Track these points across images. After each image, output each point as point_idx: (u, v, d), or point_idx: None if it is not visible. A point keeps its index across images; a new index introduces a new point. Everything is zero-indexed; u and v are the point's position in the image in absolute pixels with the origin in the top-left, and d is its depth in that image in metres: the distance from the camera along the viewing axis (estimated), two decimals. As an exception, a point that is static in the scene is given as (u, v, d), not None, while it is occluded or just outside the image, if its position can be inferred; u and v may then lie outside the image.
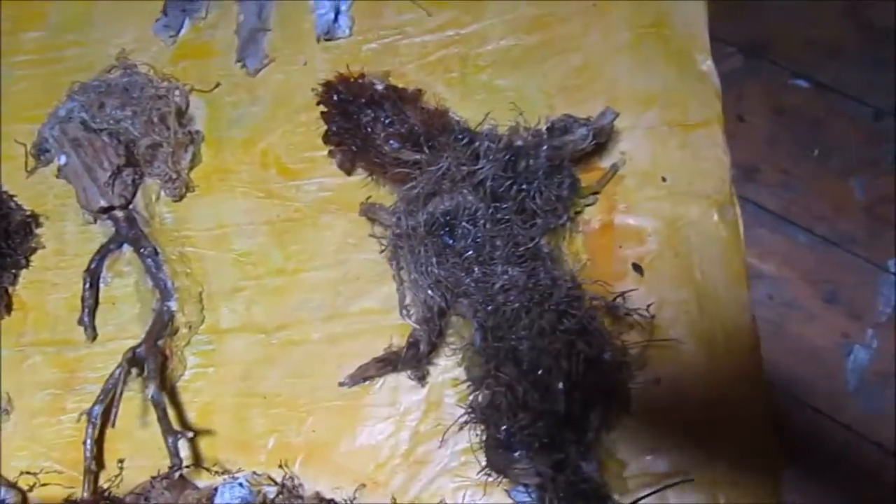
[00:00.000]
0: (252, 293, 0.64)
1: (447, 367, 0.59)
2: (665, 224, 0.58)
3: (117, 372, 0.61)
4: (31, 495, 0.62)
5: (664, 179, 0.59)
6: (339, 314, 0.62)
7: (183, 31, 0.72)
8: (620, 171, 0.60)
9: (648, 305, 0.54)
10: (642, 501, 0.51)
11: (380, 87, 0.63)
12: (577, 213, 0.59)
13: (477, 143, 0.54)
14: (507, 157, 0.52)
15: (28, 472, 0.62)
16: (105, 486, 0.59)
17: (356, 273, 0.62)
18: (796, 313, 0.88)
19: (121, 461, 0.61)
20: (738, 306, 0.57)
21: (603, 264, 0.58)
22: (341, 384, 0.60)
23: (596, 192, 0.59)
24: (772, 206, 0.88)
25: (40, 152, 0.71)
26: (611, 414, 0.53)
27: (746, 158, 0.98)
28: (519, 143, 0.52)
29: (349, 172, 0.65)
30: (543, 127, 0.57)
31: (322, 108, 0.65)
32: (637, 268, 0.58)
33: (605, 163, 0.60)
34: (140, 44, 0.73)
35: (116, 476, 0.60)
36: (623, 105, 0.61)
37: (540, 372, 0.50)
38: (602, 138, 0.56)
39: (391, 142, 0.59)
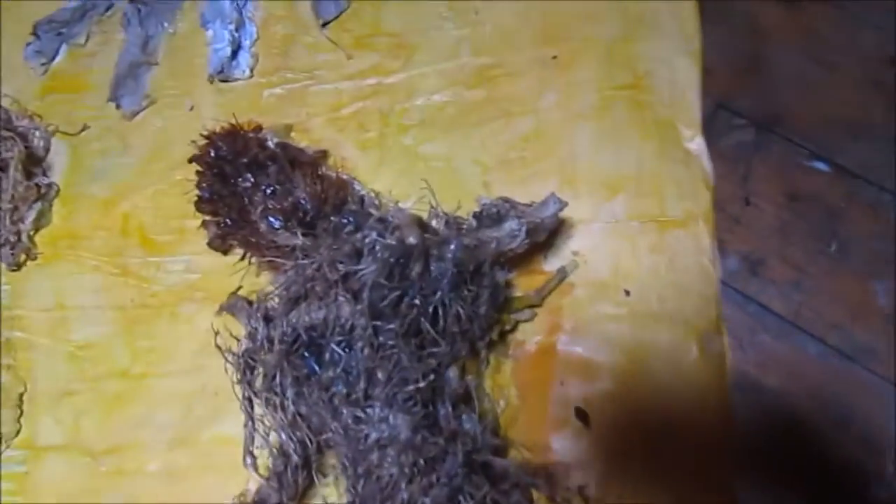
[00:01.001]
0: (85, 400, 0.49)
1: (314, 532, 0.43)
2: (625, 356, 0.43)
3: None
4: None
5: (627, 293, 0.44)
6: (186, 440, 0.47)
7: (57, 59, 0.59)
8: (570, 279, 0.45)
9: (583, 487, 0.38)
10: None
11: (272, 144, 0.49)
12: (508, 332, 0.43)
13: (372, 232, 0.39)
14: (393, 258, 0.37)
15: None
16: None
17: (215, 386, 0.47)
18: (809, 437, 0.74)
19: None
20: (723, 475, 0.40)
21: (536, 406, 0.42)
22: (174, 543, 0.44)
23: (535, 305, 0.44)
24: (778, 309, 0.72)
25: None
26: None
27: (751, 249, 0.82)
28: (411, 239, 0.37)
29: (223, 251, 0.50)
30: (472, 213, 0.43)
31: (198, 166, 0.50)
32: (582, 415, 0.42)
33: (551, 266, 0.45)
34: (8, 72, 0.59)
35: None
36: (581, 189, 0.46)
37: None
38: (539, 236, 0.41)
39: (269, 218, 0.45)
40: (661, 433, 0.41)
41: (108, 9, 0.59)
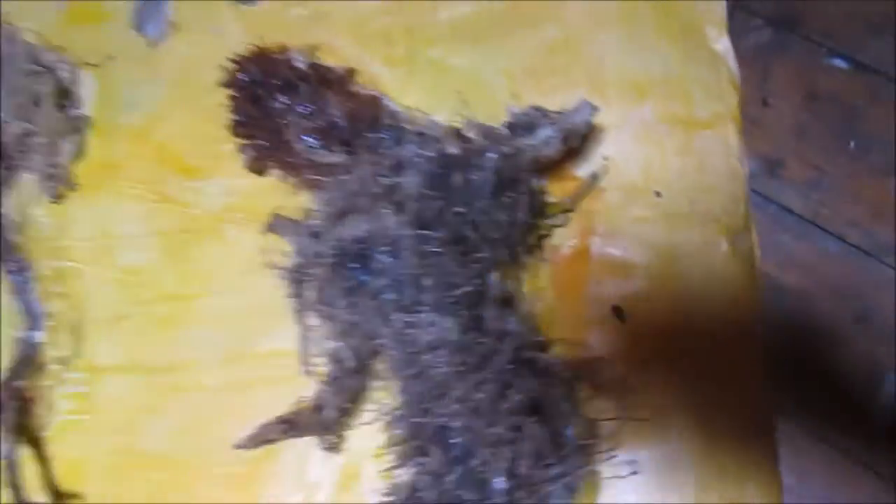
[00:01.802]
0: (138, 323, 0.51)
1: (368, 433, 0.45)
2: (658, 254, 0.44)
3: (-35, 420, 0.49)
4: None
5: (658, 195, 0.45)
6: (242, 355, 0.49)
7: (76, -8, 0.59)
8: (601, 183, 0.46)
9: (626, 377, 0.40)
10: None
11: (301, 64, 0.50)
12: (543, 237, 0.45)
13: (413, 144, 0.41)
14: (435, 169, 0.38)
15: None
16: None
17: (266, 303, 0.49)
18: (824, 336, 0.75)
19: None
20: (752, 370, 0.43)
21: (573, 306, 0.44)
22: (237, 447, 0.47)
23: (568, 210, 0.45)
24: (798, 208, 0.74)
25: None
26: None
27: (770, 150, 0.83)
28: (452, 149, 0.38)
29: (260, 173, 0.51)
30: (503, 123, 0.43)
31: (231, 90, 0.51)
32: (618, 312, 0.44)
33: (582, 171, 0.46)
34: (29, 8, 0.59)
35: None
36: (610, 95, 0.47)
37: (475, 463, 0.37)
38: (574, 142, 0.42)
39: (305, 137, 0.46)
40: (693, 327, 0.43)
41: (121, -65, 0.58)
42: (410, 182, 0.38)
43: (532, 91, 0.48)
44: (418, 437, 0.39)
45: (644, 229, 0.45)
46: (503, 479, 0.37)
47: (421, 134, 0.40)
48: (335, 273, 0.40)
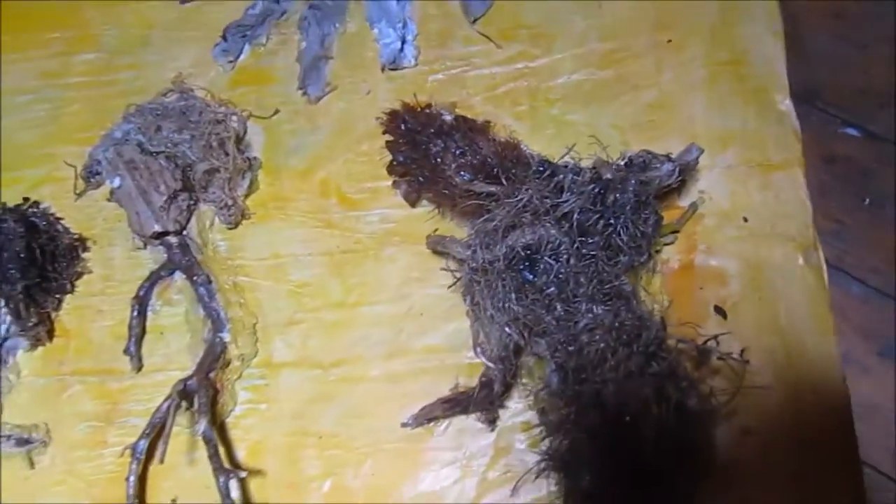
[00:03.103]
0: (308, 326, 0.61)
1: (518, 411, 0.56)
2: (748, 266, 0.56)
3: (166, 405, 0.58)
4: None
5: (745, 220, 0.57)
6: (400, 351, 0.59)
7: (242, 57, 0.71)
8: (700, 210, 0.58)
9: (742, 351, 0.51)
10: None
11: (448, 117, 0.62)
12: (657, 251, 0.56)
13: (560, 176, 0.52)
14: (595, 189, 0.50)
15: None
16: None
17: (420, 309, 0.60)
18: (850, 367, 0.85)
19: (173, 501, 0.57)
20: (827, 357, 0.54)
21: (684, 306, 0.55)
22: (404, 425, 0.57)
23: (676, 231, 0.57)
24: (825, 257, 0.86)
25: (90, 175, 0.69)
26: (698, 468, 0.49)
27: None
28: (608, 175, 0.50)
29: (414, 204, 0.62)
30: (622, 162, 0.55)
31: (387, 137, 0.63)
32: (719, 311, 0.55)
33: (684, 202, 0.58)
34: (197, 68, 0.72)
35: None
36: (700, 143, 0.59)
37: (627, 418, 0.47)
38: (687, 175, 0.55)
39: (462, 173, 0.57)
40: (778, 322, 0.55)
41: (283, 13, 0.71)
42: (572, 201, 0.50)
43: (638, 141, 0.61)
44: (575, 402, 0.49)
45: (736, 246, 0.57)
46: (651, 431, 0.47)
47: (571, 166, 0.52)
48: (506, 274, 0.51)
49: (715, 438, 0.50)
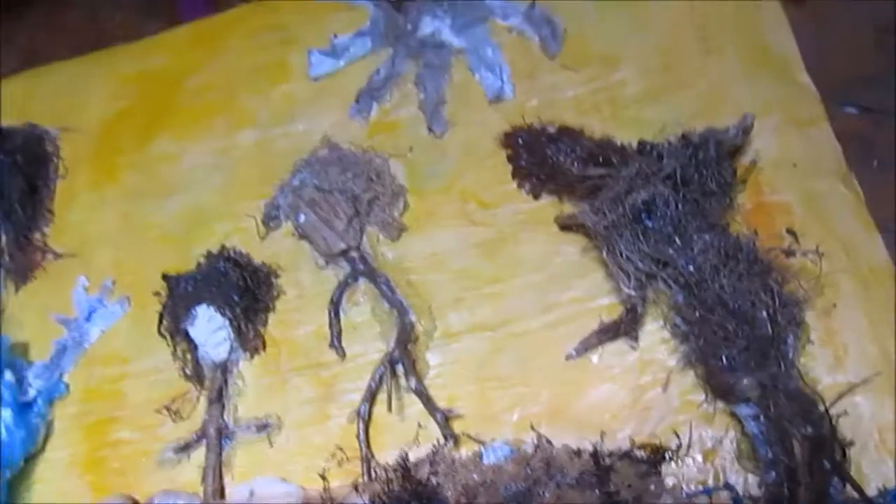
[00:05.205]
0: (473, 301, 0.79)
1: (652, 331, 0.73)
2: (804, 197, 0.74)
3: (379, 373, 0.75)
4: (316, 489, 0.74)
5: (794, 165, 0.76)
6: (551, 306, 0.77)
7: (373, 113, 0.91)
8: (759, 164, 0.76)
9: (817, 247, 0.69)
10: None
11: (551, 129, 0.81)
12: (735, 195, 0.75)
13: (659, 148, 0.71)
14: (689, 152, 0.69)
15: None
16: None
17: (559, 272, 0.77)
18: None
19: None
20: (874, 245, 0.71)
21: (763, 231, 0.73)
22: (568, 357, 0.73)
23: (744, 181, 0.75)
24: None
25: (270, 219, 0.88)
26: (802, 337, 0.66)
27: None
28: (694, 140, 0.69)
29: (537, 197, 0.81)
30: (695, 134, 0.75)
31: (508, 150, 0.82)
32: (790, 232, 0.73)
33: (745, 159, 0.77)
34: (338, 128, 0.92)
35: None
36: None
37: (745, 307, 0.65)
38: (746, 136, 0.74)
39: (577, 164, 0.76)
40: (835, 232, 0.72)
41: (401, 75, 0.91)
42: (672, 163, 0.69)
43: (699, 124, 0.79)
44: (703, 305, 0.67)
45: (791, 184, 0.75)
46: (765, 311, 0.64)
47: (666, 141, 0.71)
48: (632, 224, 0.69)
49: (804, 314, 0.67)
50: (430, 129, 0.88)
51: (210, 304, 0.81)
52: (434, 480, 0.68)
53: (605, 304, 0.75)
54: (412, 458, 0.71)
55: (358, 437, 0.74)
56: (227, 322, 0.81)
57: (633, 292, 0.70)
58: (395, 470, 0.69)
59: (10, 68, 1.14)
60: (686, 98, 0.82)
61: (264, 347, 0.83)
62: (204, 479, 0.76)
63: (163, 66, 1.03)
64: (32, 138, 1.01)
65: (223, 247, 0.86)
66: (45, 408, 0.86)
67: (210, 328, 0.81)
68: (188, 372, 0.83)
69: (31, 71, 1.10)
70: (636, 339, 0.72)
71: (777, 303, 0.65)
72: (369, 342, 0.80)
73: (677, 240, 0.68)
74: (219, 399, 0.80)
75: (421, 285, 0.81)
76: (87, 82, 1.05)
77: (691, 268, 0.68)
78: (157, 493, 0.77)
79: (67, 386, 0.88)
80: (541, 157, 0.79)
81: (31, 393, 0.85)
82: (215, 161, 0.94)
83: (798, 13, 1.18)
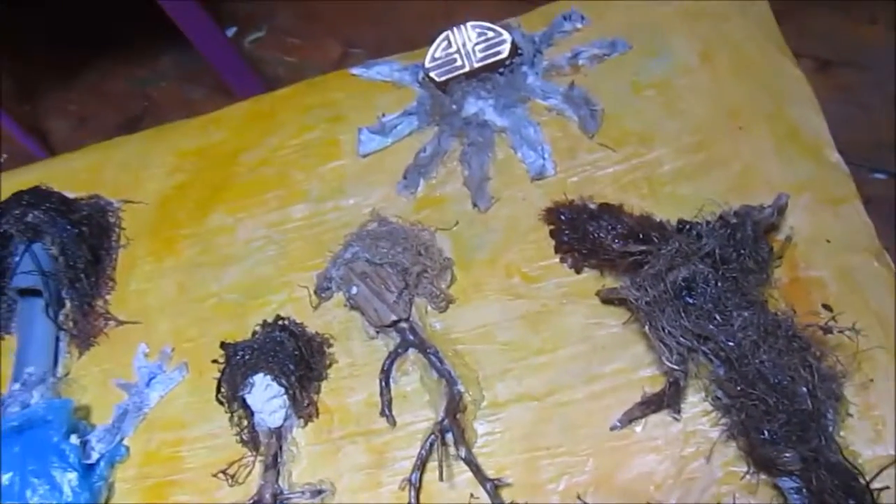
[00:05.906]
0: (520, 371, 0.82)
1: (694, 403, 0.75)
2: (839, 273, 0.77)
3: (429, 442, 0.79)
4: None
5: (828, 241, 0.79)
6: (596, 376, 0.80)
7: (420, 189, 0.96)
8: (794, 240, 0.80)
9: (853, 324, 0.72)
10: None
11: (592, 205, 0.85)
12: (772, 272, 0.78)
13: (698, 227, 0.75)
14: (725, 231, 0.73)
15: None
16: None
17: (602, 344, 0.81)
18: None
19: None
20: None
21: (800, 306, 0.76)
22: (612, 428, 0.76)
23: (780, 257, 0.79)
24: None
25: (322, 290, 0.92)
26: (841, 410, 0.69)
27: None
28: (732, 220, 0.73)
29: (579, 271, 0.85)
30: (732, 212, 0.78)
31: (550, 226, 0.86)
32: (826, 307, 0.76)
33: (780, 236, 0.80)
34: (386, 202, 0.96)
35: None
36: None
37: (785, 382, 0.67)
38: (781, 214, 0.77)
39: (618, 241, 0.80)
40: (870, 307, 0.75)
41: (446, 153, 0.96)
42: (711, 242, 0.72)
43: (734, 201, 0.83)
44: (744, 380, 0.69)
45: (826, 261, 0.78)
46: (805, 387, 0.67)
47: (704, 220, 0.75)
48: (673, 301, 0.73)
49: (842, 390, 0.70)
50: (474, 205, 0.92)
51: (267, 372, 0.85)
52: (486, 549, 0.70)
53: (648, 376, 0.78)
54: (463, 526, 0.73)
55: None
56: (282, 390, 0.85)
57: (675, 366, 0.73)
58: (448, 538, 0.72)
59: (62, 135, 1.21)
60: (720, 177, 0.86)
61: (317, 415, 0.86)
62: (261, 544, 0.79)
63: (219, 142, 1.09)
64: (97, 209, 1.06)
65: (278, 316, 0.91)
66: (107, 470, 0.89)
67: (266, 396, 0.85)
68: (244, 438, 0.86)
69: (96, 145, 1.17)
70: (679, 411, 0.75)
71: (816, 378, 0.67)
72: (419, 411, 0.83)
73: (717, 316, 0.72)
74: (274, 465, 0.84)
75: (468, 355, 0.85)
76: (148, 157, 1.12)
77: (732, 343, 0.71)
78: (216, 557, 0.80)
79: (128, 449, 0.91)
80: (582, 233, 0.83)
81: (94, 456, 0.89)
82: (269, 234, 0.99)
83: (824, 84, 1.23)
